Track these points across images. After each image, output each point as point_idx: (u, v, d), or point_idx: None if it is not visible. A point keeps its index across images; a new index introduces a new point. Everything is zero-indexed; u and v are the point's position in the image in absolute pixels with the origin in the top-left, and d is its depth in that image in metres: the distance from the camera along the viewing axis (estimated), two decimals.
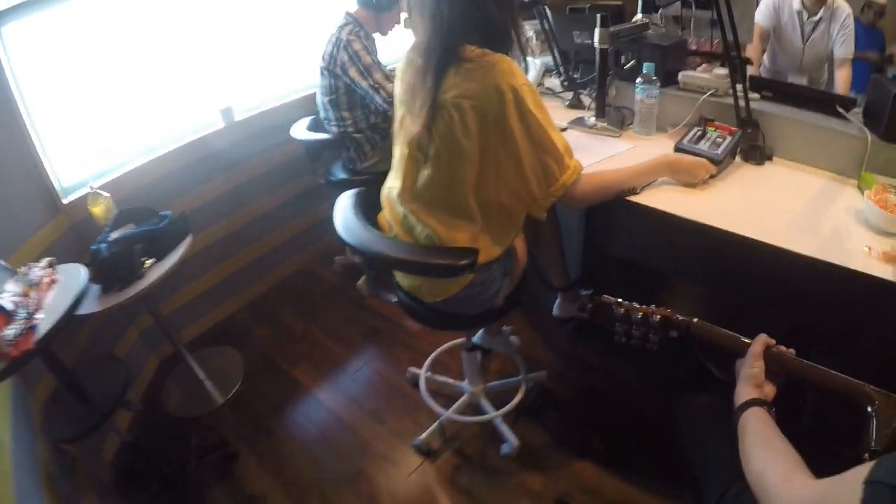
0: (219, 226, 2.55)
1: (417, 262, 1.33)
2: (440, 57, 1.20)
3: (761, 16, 2.66)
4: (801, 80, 2.73)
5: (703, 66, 2.09)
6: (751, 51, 2.67)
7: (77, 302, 1.45)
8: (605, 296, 1.05)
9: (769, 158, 1.62)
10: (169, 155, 2.29)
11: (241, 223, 2.65)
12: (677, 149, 1.60)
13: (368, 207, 1.53)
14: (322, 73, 2.36)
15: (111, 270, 1.75)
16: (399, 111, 1.39)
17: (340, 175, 2.54)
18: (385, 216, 1.50)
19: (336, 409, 2.13)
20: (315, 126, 2.53)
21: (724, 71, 1.74)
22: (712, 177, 1.50)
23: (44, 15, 1.91)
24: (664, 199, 1.44)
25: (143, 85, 2.25)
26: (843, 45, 2.59)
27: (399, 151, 1.39)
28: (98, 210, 1.95)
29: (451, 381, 2.07)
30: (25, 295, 1.43)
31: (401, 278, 1.51)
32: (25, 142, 1.88)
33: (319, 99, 2.46)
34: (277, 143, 2.64)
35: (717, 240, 1.32)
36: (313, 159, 2.59)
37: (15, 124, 1.84)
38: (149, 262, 1.81)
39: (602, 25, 1.65)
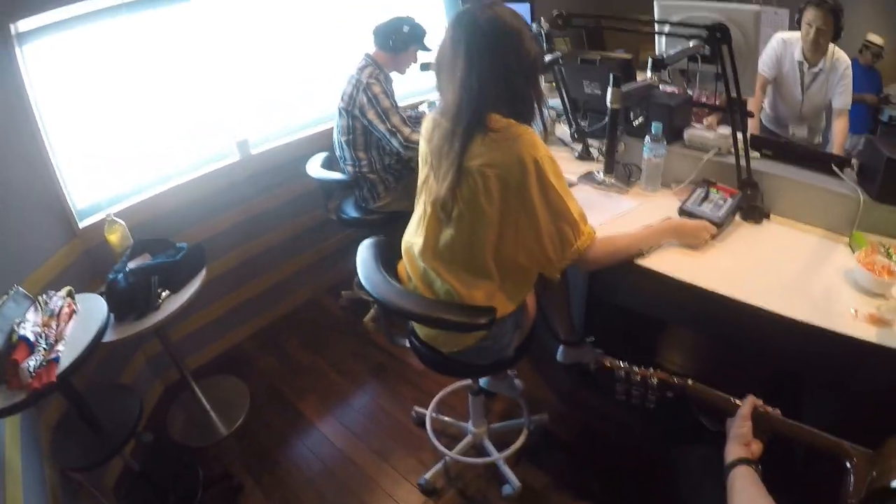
0: (230, 256, 2.61)
1: (440, 319, 1.38)
2: (468, 124, 1.26)
3: (764, 65, 2.72)
4: (801, 129, 2.81)
5: (710, 117, 2.17)
6: (752, 102, 2.75)
7: (100, 335, 1.50)
8: (608, 359, 1.14)
9: (766, 217, 1.68)
10: (185, 185, 2.38)
11: (252, 254, 2.71)
12: (682, 211, 1.67)
13: (388, 254, 1.59)
14: (340, 113, 2.44)
15: (128, 301, 1.81)
16: (423, 170, 1.45)
17: (352, 213, 2.60)
18: (405, 267, 1.55)
19: (341, 444, 2.16)
20: (329, 163, 2.61)
21: (727, 131, 1.80)
22: (713, 237, 1.56)
23: (65, 36, 1.99)
24: (666, 261, 1.49)
25: (161, 113, 2.34)
26: (842, 96, 2.63)
27: (422, 209, 1.45)
28: (114, 238, 2.01)
29: (455, 421, 2.11)
30: (46, 325, 1.48)
31: (418, 328, 1.57)
32: (44, 162, 1.94)
33: (336, 137, 2.53)
34: (292, 178, 2.72)
35: (714, 301, 1.37)
36: (326, 196, 2.66)
37: (34, 144, 1.90)
38: (164, 293, 1.88)
39: (615, 86, 1.73)
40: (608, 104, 1.77)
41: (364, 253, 1.56)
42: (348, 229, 2.93)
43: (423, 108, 2.85)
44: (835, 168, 1.66)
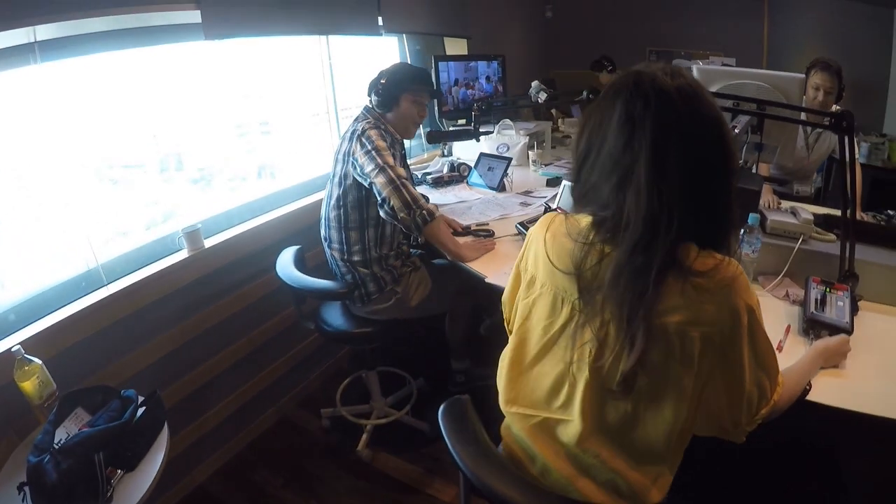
0: (180, 384, 2.02)
1: None
2: (664, 261, 0.85)
3: None
4: (806, 187, 2.75)
5: None
6: (763, 166, 2.65)
7: None
8: None
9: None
10: (120, 295, 1.79)
11: (207, 378, 2.13)
12: (809, 319, 1.42)
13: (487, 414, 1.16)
14: (339, 183, 1.97)
15: (65, 495, 1.25)
16: (547, 306, 1.02)
17: (339, 323, 2.08)
18: (518, 441, 1.11)
19: None
20: (301, 259, 2.10)
21: (809, 215, 1.72)
22: None
23: None
24: (820, 389, 1.23)
25: (83, 191, 1.80)
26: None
27: (562, 369, 1.00)
28: (29, 386, 1.44)
29: None
30: None
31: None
32: None
33: (324, 211, 2.06)
34: (255, 274, 2.21)
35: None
36: (298, 299, 2.13)
37: None
38: (117, 475, 1.33)
39: None
40: None
41: (454, 423, 1.08)
42: (333, 343, 2.48)
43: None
44: None
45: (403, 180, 1.83)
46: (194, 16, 1.91)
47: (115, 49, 1.83)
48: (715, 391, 0.93)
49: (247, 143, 2.43)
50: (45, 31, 1.59)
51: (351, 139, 1.94)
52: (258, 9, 2.09)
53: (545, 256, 1.02)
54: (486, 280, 1.77)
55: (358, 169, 1.87)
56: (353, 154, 1.89)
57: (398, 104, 2.02)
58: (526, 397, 1.07)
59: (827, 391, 1.21)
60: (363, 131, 1.91)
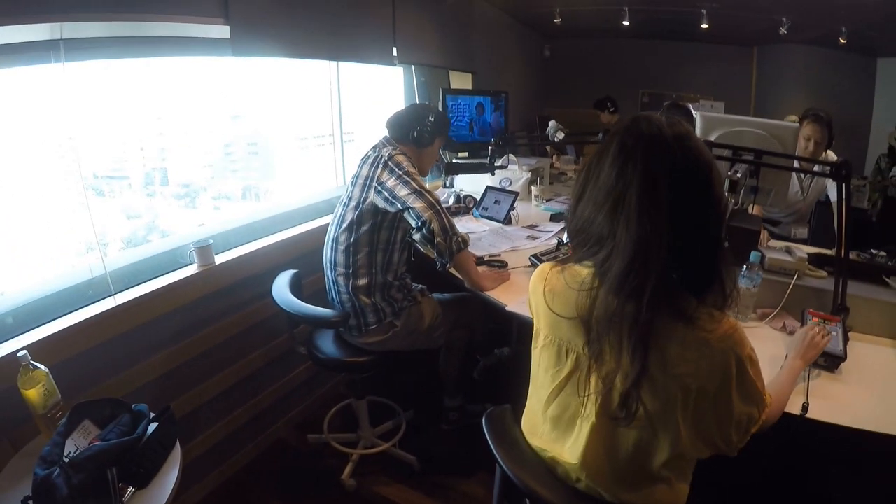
0: (183, 399, 1.97)
1: None
2: (657, 295, 0.88)
3: None
4: (802, 230, 2.85)
5: None
6: (756, 208, 2.75)
7: None
8: None
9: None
10: (128, 306, 1.75)
11: (211, 394, 2.09)
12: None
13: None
14: (357, 207, 1.95)
15: None
16: (550, 352, 1.09)
17: (330, 350, 2.04)
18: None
19: None
20: (297, 283, 2.06)
21: (803, 254, 1.82)
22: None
23: None
24: (830, 410, 1.31)
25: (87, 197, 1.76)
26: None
27: (571, 413, 1.08)
28: (34, 394, 1.39)
29: None
30: None
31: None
32: None
33: (332, 234, 2.03)
34: (260, 295, 2.16)
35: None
36: (292, 323, 2.08)
37: None
38: (129, 492, 1.29)
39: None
40: None
41: (497, 429, 1.17)
42: (327, 371, 2.45)
43: None
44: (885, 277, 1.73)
45: (442, 205, 1.86)
46: (222, 31, 1.93)
47: (138, 56, 1.85)
48: (706, 425, 0.99)
49: (232, 163, 2.44)
50: (71, 30, 1.59)
51: (374, 165, 1.94)
52: (286, 30, 2.14)
53: (546, 309, 1.08)
54: (507, 308, 1.80)
55: (386, 193, 1.87)
56: (378, 179, 1.89)
57: (433, 143, 2.08)
58: (545, 434, 1.15)
59: (823, 410, 1.28)
60: (390, 157, 1.92)
